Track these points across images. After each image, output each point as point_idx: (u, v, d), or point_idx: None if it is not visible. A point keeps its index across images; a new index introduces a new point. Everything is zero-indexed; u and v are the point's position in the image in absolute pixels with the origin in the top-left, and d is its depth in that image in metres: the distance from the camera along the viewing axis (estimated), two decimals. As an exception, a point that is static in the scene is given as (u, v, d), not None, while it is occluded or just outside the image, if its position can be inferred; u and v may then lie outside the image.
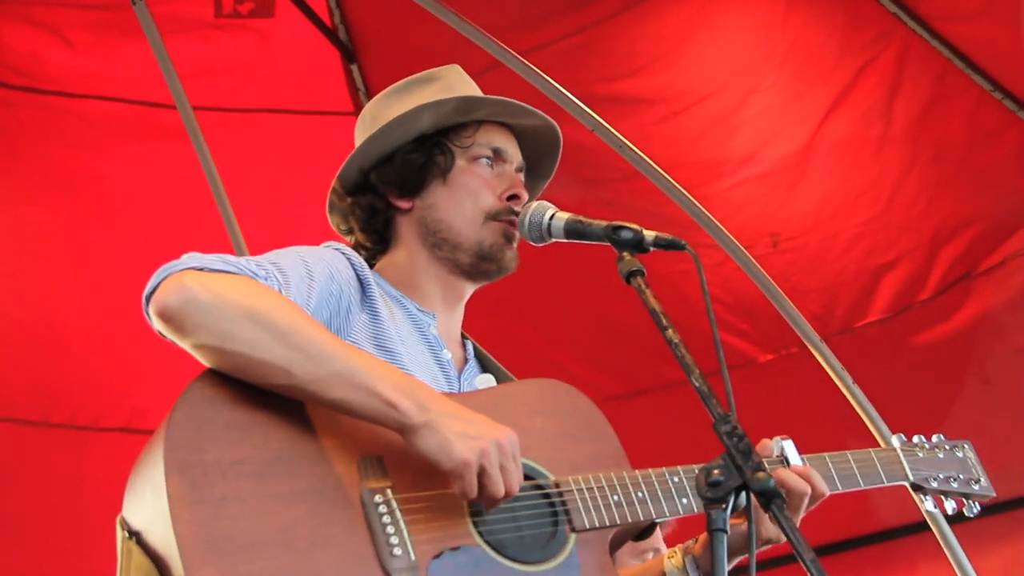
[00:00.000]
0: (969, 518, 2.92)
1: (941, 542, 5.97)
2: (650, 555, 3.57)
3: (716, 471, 2.02)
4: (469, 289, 2.67)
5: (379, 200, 2.65)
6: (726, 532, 2.01)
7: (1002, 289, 5.98)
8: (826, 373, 6.21)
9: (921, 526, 6.10)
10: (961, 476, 2.90)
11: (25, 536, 5.99)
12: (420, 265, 2.61)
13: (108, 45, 5.95)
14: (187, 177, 5.98)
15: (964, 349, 6.13)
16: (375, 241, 2.67)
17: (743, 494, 2.02)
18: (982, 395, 6.09)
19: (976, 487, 2.91)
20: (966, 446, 2.97)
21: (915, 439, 2.93)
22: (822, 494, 2.53)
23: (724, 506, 2.02)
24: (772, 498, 1.97)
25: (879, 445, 6.00)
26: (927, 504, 2.89)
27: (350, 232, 2.70)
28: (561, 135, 2.77)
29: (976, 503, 2.92)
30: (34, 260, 6.03)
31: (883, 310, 6.25)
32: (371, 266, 2.64)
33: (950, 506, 2.90)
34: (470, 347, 2.69)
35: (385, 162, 2.64)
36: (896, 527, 6.57)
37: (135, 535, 2.02)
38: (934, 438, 2.95)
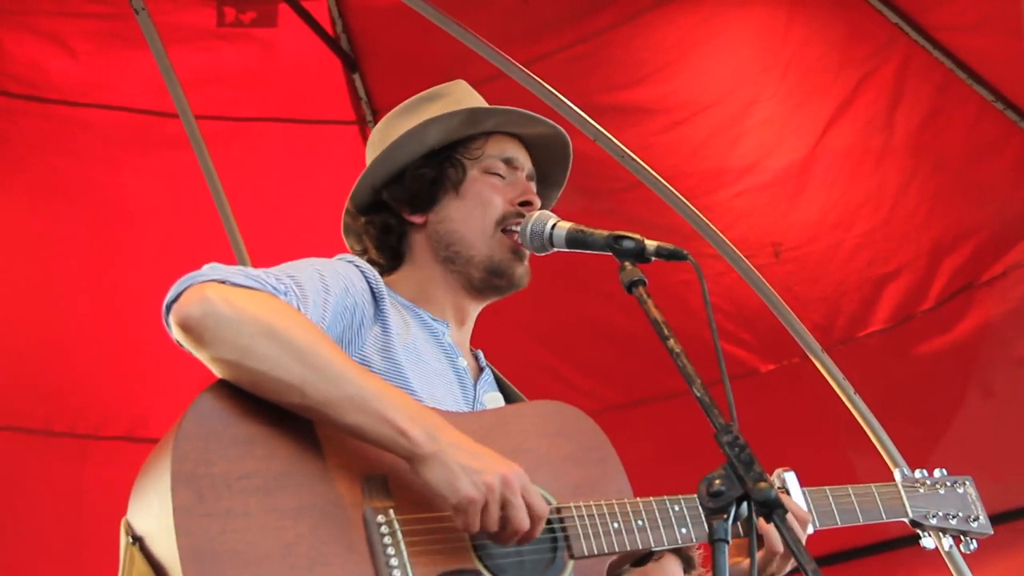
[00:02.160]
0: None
1: (943, 553, 5.96)
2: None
3: (718, 481, 2.02)
4: (477, 306, 2.68)
5: (392, 217, 2.65)
6: (727, 542, 2.01)
7: (1004, 300, 5.98)
8: (828, 383, 6.21)
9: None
10: (960, 514, 2.89)
11: (25, 544, 5.99)
12: (433, 279, 2.62)
13: (110, 54, 5.96)
14: (189, 186, 5.98)
15: (966, 359, 6.12)
16: (389, 258, 2.67)
17: (744, 504, 2.02)
18: (984, 405, 6.08)
19: (975, 525, 2.91)
20: (967, 482, 2.96)
21: (917, 473, 2.92)
22: (805, 518, 2.55)
23: (726, 516, 2.02)
24: (774, 508, 1.97)
25: (880, 456, 6.01)
26: (924, 540, 2.88)
27: (364, 252, 2.69)
28: (570, 142, 2.78)
29: (973, 540, 2.91)
30: (34, 268, 6.03)
31: (885, 320, 6.25)
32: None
33: (947, 542, 2.90)
34: (482, 357, 2.70)
35: (396, 179, 2.65)
36: (898, 537, 6.55)
37: (138, 540, 2.02)
38: (936, 473, 2.94)
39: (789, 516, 2.47)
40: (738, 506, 2.01)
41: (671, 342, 2.17)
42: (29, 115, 5.92)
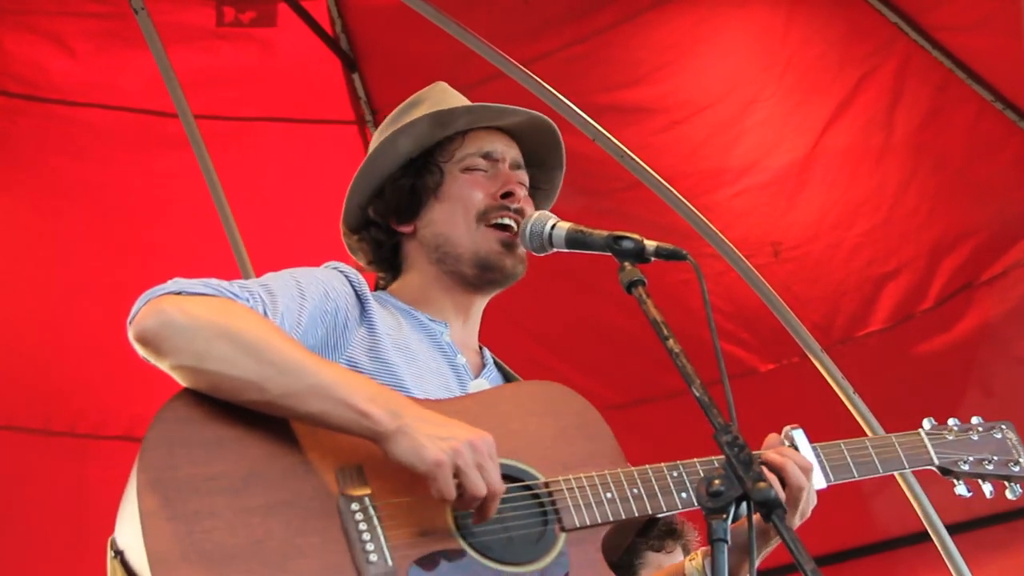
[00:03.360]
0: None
1: (942, 552, 5.97)
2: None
3: (717, 481, 2.02)
4: (480, 301, 2.67)
5: (382, 232, 2.66)
6: (727, 542, 2.01)
7: (1003, 299, 5.98)
8: (827, 383, 6.21)
9: (922, 536, 6.09)
10: (996, 457, 2.76)
11: (25, 544, 5.99)
12: (430, 282, 2.62)
13: (110, 54, 5.96)
14: (188, 185, 5.98)
15: (965, 359, 6.12)
16: (387, 270, 2.69)
17: (744, 504, 2.02)
18: (983, 405, 6.05)
19: (1016, 468, 2.77)
20: (1004, 427, 2.84)
21: (949, 422, 2.83)
22: (808, 466, 2.50)
23: (725, 516, 2.01)
24: (773, 508, 1.97)
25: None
26: (959, 488, 2.75)
27: (368, 265, 2.72)
28: (554, 123, 2.75)
29: (1019, 485, 2.77)
30: (34, 267, 6.04)
31: (884, 320, 6.25)
32: (385, 291, 2.67)
33: (987, 489, 2.76)
34: (488, 355, 2.69)
35: (378, 194, 2.66)
36: (897, 537, 6.56)
37: (119, 554, 2.04)
38: (973, 420, 2.84)
39: (794, 472, 2.46)
40: (737, 506, 2.01)
41: (670, 342, 2.17)
42: (29, 115, 5.92)
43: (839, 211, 6.13)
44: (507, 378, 2.67)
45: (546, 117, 2.74)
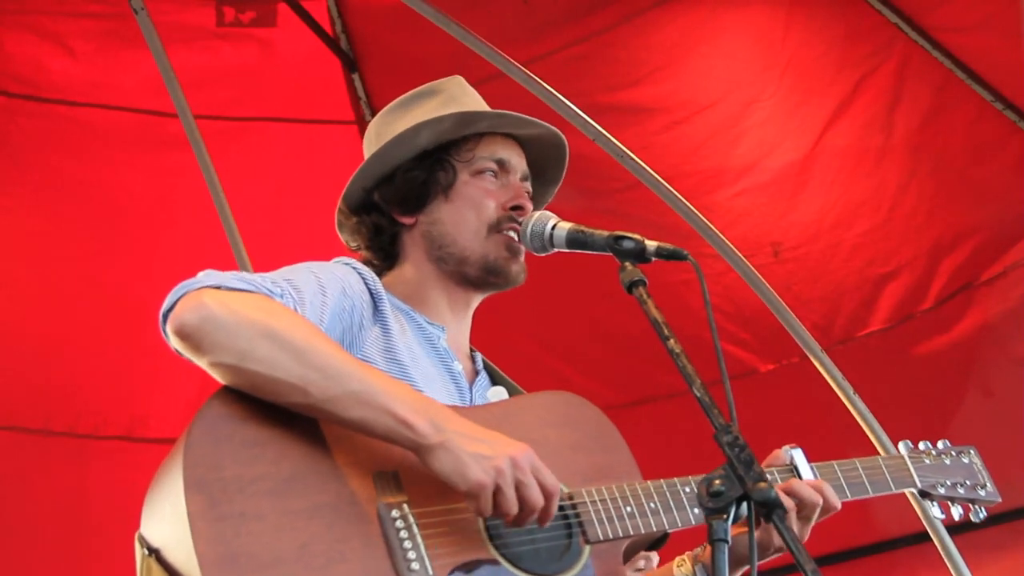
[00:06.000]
0: (975, 523, 2.92)
1: (942, 552, 5.97)
2: (641, 563, 3.58)
3: (717, 481, 2.02)
4: (476, 299, 2.68)
5: (383, 218, 2.65)
6: (727, 542, 2.01)
7: (1003, 299, 5.99)
8: (827, 383, 6.21)
9: (922, 536, 6.09)
10: (967, 482, 2.90)
11: (26, 544, 5.99)
12: (427, 279, 2.62)
13: (110, 54, 5.97)
14: (188, 185, 5.98)
15: (965, 359, 6.13)
16: (382, 258, 2.68)
17: (744, 504, 2.02)
18: (983, 405, 6.08)
19: (982, 492, 2.91)
20: (971, 451, 2.97)
21: (921, 445, 2.93)
22: (834, 507, 2.52)
23: (725, 516, 2.01)
24: (773, 508, 1.97)
25: (881, 454, 6.00)
26: (934, 510, 2.89)
27: (359, 249, 2.71)
28: (566, 141, 2.77)
29: (982, 508, 2.91)
30: (34, 267, 6.04)
31: (884, 320, 6.25)
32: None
33: (956, 512, 2.90)
34: (479, 359, 2.69)
35: (387, 180, 2.65)
36: (897, 537, 6.56)
37: (154, 552, 2.02)
38: (940, 444, 2.95)
39: (803, 488, 2.47)
40: (738, 506, 2.01)
41: (671, 342, 2.17)
42: (29, 114, 5.92)
43: (839, 211, 6.13)
44: (495, 381, 2.67)
45: (562, 135, 2.75)
